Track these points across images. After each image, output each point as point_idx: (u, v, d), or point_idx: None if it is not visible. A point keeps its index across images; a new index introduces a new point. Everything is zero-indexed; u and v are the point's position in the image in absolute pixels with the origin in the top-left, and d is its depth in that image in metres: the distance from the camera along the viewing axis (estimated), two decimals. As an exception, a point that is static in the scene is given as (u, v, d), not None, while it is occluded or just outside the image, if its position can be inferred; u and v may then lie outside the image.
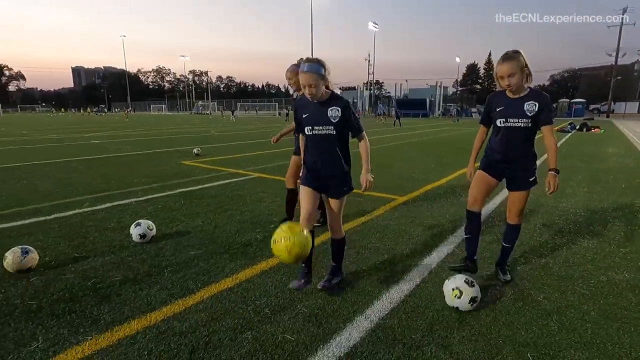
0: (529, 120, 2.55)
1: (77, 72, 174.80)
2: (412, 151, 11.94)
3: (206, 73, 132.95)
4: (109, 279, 2.84)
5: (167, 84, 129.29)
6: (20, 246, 2.98)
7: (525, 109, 2.56)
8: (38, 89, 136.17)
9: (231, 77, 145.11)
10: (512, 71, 2.48)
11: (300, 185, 2.61)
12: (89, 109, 78.29)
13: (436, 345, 2.07)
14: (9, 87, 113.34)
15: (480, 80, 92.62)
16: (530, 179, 2.69)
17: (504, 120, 2.64)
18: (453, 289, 2.40)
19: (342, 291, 2.65)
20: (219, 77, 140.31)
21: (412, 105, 54.51)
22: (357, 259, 3.23)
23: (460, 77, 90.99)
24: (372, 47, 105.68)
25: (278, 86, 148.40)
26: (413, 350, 2.03)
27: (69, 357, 1.97)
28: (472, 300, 2.36)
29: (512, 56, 2.51)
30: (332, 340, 2.12)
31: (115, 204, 5.01)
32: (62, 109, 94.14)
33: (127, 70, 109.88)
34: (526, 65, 2.50)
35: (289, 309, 2.45)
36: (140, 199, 5.31)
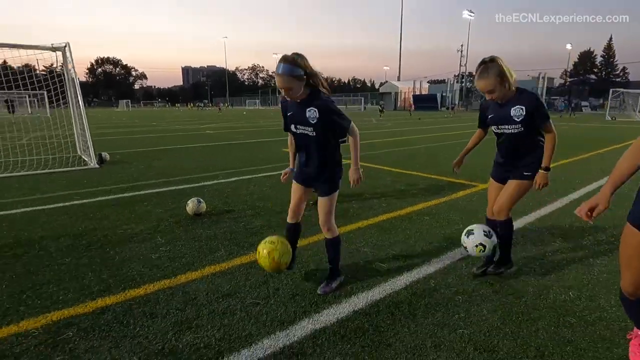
0: (519, 125, 2.47)
1: (186, 71, 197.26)
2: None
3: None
4: (252, 224, 4.06)
5: (260, 81, 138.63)
6: (196, 197, 4.38)
7: (512, 114, 2.48)
8: (155, 87, 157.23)
9: (319, 72, 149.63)
10: (490, 87, 2.40)
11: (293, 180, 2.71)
12: (192, 104, 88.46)
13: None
14: (135, 85, 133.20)
15: (595, 70, 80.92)
16: (525, 173, 2.60)
17: (496, 127, 2.63)
18: (477, 246, 2.62)
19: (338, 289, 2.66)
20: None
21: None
22: (438, 231, 3.97)
23: (570, 67, 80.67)
24: (465, 36, 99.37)
25: (364, 80, 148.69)
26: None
27: (242, 260, 3.13)
28: (495, 247, 2.64)
29: (486, 70, 2.38)
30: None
31: (241, 178, 6.46)
32: (176, 104, 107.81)
33: (227, 68, 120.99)
34: (505, 73, 2.37)
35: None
36: (259, 175, 6.70)
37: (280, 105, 2.63)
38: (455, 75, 64.92)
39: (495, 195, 2.83)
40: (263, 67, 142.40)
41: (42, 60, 11.80)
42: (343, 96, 76.24)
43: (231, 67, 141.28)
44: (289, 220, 2.76)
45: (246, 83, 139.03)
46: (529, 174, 2.60)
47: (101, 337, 2.11)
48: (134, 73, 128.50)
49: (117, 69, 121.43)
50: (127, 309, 2.40)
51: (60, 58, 8.72)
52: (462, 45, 61.98)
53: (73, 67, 8.28)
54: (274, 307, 2.44)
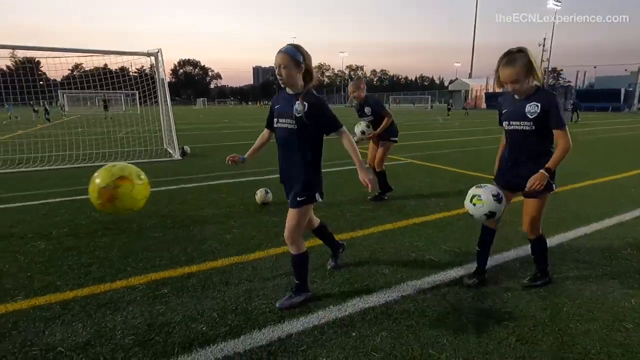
0: (531, 123, 2.34)
1: (256, 70, 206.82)
2: (585, 147, 10.81)
3: (361, 68, 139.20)
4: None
5: (326, 79, 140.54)
6: (264, 188, 4.85)
7: (526, 110, 2.35)
8: (228, 86, 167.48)
9: (384, 70, 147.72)
10: (515, 77, 2.27)
11: None
12: (261, 102, 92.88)
13: (548, 282, 2.76)
14: (211, 85, 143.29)
15: None
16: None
17: (507, 123, 2.49)
18: (474, 195, 2.46)
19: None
20: (373, 71, 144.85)
21: (599, 97, 45.12)
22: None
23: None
24: (549, 29, 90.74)
25: (432, 78, 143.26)
26: (527, 281, 2.78)
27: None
28: (490, 214, 2.40)
29: (514, 59, 2.26)
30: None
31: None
32: (248, 102, 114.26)
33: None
34: (532, 65, 2.26)
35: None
36: (339, 169, 7.07)
37: (271, 104, 2.54)
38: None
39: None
40: (329, 65, 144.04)
41: (134, 64, 13.38)
42: (409, 94, 74.33)
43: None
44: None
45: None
46: (550, 183, 2.41)
47: (188, 295, 2.58)
48: (210, 73, 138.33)
49: (197, 69, 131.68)
50: (207, 277, 2.86)
51: (153, 62, 9.96)
52: (544, 39, 56.97)
53: (163, 70, 9.39)
54: (329, 285, 2.73)
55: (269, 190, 4.81)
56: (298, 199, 2.31)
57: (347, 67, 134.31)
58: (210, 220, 4.21)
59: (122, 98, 44.00)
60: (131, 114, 31.06)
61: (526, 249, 3.35)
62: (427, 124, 21.43)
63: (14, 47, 10.92)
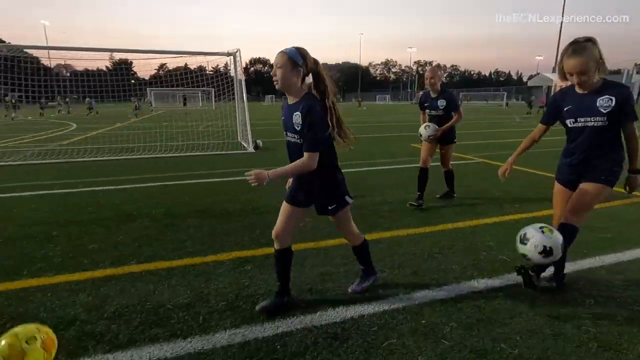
0: (605, 117, 2.25)
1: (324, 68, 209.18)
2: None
3: (430, 63, 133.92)
4: (380, 209, 4.50)
5: (392, 75, 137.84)
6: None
7: (598, 105, 2.24)
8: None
9: (455, 65, 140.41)
10: (584, 68, 2.16)
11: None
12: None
13: (638, 292, 2.57)
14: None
15: None
16: (609, 177, 2.31)
17: (573, 120, 2.36)
18: (520, 235, 2.38)
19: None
20: (443, 67, 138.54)
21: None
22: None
23: None
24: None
25: (508, 72, 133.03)
26: (613, 289, 2.61)
27: (372, 237, 3.61)
28: (544, 251, 2.24)
29: (582, 48, 2.15)
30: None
31: (379, 168, 6.98)
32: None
33: (360, 64, 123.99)
34: (601, 56, 2.17)
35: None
36: (406, 166, 7.12)
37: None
38: (637, 64, 52.58)
39: (562, 201, 2.58)
40: (396, 61, 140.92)
41: (211, 63, 14.57)
42: (481, 91, 70.04)
43: (364, 63, 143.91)
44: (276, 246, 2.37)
45: (378, 78, 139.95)
46: (612, 179, 2.34)
47: (268, 273, 2.86)
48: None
49: (266, 67, 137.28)
50: (301, 254, 3.12)
51: (228, 61, 10.74)
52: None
53: (241, 68, 10.08)
54: (398, 276, 2.84)
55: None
56: (329, 207, 2.26)
57: (415, 62, 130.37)
58: (283, 208, 4.52)
59: (200, 95, 47.65)
60: (207, 110, 33.48)
61: (612, 257, 3.13)
62: (499, 123, 20.11)
63: (112, 50, 12.50)
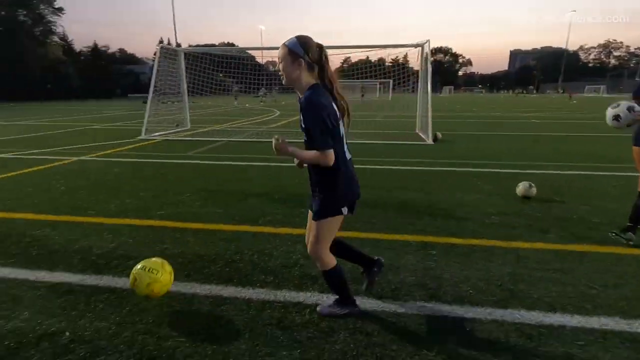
0: None
1: (514, 55, 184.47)
2: None
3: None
4: (589, 220, 3.86)
5: (612, 60, 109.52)
6: (527, 181, 4.60)
7: None
8: (478, 73, 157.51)
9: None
10: None
11: None
12: (514, 90, 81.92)
13: None
14: (459, 72, 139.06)
15: None
16: None
17: None
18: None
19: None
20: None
21: None
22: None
23: None
24: None
25: None
26: None
27: (575, 247, 3.17)
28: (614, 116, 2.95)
29: None
30: None
31: (574, 172, 5.97)
32: (498, 90, 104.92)
33: (567, 48, 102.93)
34: None
35: None
36: (596, 173, 5.94)
37: None
38: None
39: None
40: (622, 42, 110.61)
41: (391, 55, 14.80)
42: None
43: (573, 47, 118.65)
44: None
45: (590, 65, 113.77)
46: None
47: (454, 261, 2.93)
48: (460, 60, 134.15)
49: (447, 57, 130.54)
50: (470, 250, 3.12)
51: (414, 52, 10.76)
52: None
53: (429, 59, 10.02)
54: (612, 296, 2.45)
55: (533, 185, 4.53)
56: (314, 209, 2.03)
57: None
58: (464, 203, 4.41)
59: (377, 86, 49.46)
60: (383, 100, 34.50)
61: None
62: None
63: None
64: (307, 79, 1.89)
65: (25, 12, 53.38)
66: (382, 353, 1.93)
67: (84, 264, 2.89)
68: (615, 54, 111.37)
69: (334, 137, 1.88)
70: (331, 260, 2.11)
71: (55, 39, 59.12)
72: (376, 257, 2.41)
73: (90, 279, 2.66)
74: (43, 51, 53.57)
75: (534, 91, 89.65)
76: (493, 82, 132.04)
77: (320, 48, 1.91)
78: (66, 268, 2.82)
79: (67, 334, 2.08)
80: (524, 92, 79.96)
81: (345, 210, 2.01)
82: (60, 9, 56.77)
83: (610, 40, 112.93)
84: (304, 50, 1.85)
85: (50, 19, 56.55)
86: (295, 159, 2.02)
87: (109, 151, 8.30)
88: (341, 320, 2.19)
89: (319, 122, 1.81)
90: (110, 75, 65.35)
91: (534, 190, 4.48)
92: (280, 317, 2.23)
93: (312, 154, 1.89)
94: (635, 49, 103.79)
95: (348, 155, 2.02)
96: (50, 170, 6.27)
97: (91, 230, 3.57)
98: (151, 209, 4.22)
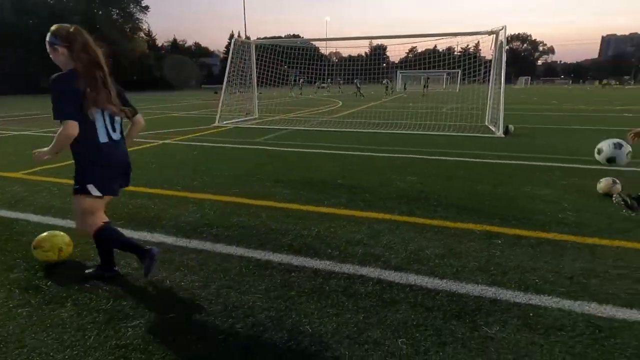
0: None
1: (606, 41, 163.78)
2: None
3: None
4: None
5: None
6: (611, 177, 4.26)
7: None
8: (561, 61, 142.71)
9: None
10: None
11: None
12: (602, 81, 72.16)
13: None
14: (538, 61, 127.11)
15: None
16: None
17: None
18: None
19: None
20: None
21: None
22: None
23: None
24: None
25: None
26: None
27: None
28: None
29: None
30: None
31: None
32: (584, 81, 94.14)
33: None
34: None
35: None
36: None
37: None
38: None
39: None
40: None
41: (460, 43, 14.09)
42: None
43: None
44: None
45: None
46: None
47: (520, 251, 2.88)
48: (540, 48, 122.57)
49: (525, 44, 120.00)
50: (538, 243, 3.03)
51: (487, 40, 10.17)
52: None
53: (504, 47, 9.45)
54: (703, 300, 2.26)
55: (617, 181, 4.18)
56: (74, 185, 2.31)
57: None
58: (537, 197, 4.22)
59: (444, 77, 47.19)
60: (450, 92, 33.01)
61: None
62: None
63: (371, 38, 14.03)
64: (70, 66, 2.14)
65: (117, 11, 59.43)
66: (442, 326, 2.03)
67: (176, 229, 3.34)
68: None
69: (71, 114, 2.10)
70: (93, 226, 2.36)
71: (142, 34, 65.11)
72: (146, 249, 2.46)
73: (182, 241, 3.09)
74: (131, 46, 59.29)
75: (631, 82, 78.93)
76: (578, 71, 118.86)
77: (75, 33, 2.13)
78: (162, 232, 3.29)
79: (167, 282, 2.48)
80: (617, 82, 70.45)
81: (94, 189, 2.28)
82: (146, 7, 62.29)
83: None
84: (60, 40, 2.12)
85: (138, 16, 62.34)
86: (54, 153, 2.22)
87: (189, 135, 9.14)
88: (402, 293, 2.33)
89: (54, 97, 2.11)
90: (187, 67, 70.45)
91: (618, 187, 4.14)
92: (345, 286, 2.43)
93: (56, 136, 2.15)
94: None
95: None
96: (143, 151, 7.12)
97: (179, 202, 4.07)
98: (228, 186, 4.66)
